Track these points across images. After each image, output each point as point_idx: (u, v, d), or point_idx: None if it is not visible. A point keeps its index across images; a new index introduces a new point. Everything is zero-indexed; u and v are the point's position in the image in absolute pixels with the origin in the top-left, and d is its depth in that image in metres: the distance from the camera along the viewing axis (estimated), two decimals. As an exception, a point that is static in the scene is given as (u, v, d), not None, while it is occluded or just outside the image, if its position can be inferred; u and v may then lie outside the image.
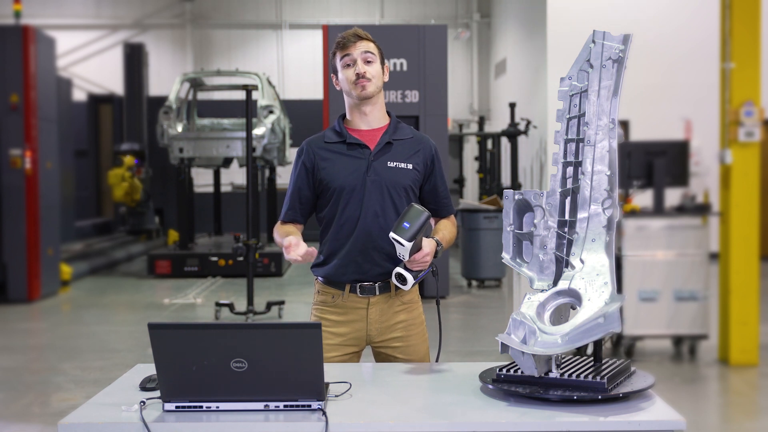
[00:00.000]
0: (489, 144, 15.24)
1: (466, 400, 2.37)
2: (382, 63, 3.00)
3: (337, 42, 2.97)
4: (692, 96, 13.19)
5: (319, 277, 3.06)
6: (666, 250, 6.70)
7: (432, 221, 3.12)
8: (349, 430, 2.18)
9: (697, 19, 13.23)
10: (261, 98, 12.13)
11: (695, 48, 13.25)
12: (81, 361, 6.96)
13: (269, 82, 12.79)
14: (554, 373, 2.37)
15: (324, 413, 2.19)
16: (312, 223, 3.09)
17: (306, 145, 3.05)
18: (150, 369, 2.65)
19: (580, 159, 2.56)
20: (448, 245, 3.02)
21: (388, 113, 3.07)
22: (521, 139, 13.69)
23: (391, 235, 2.71)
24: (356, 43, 2.94)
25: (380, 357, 3.05)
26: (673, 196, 7.19)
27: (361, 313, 2.99)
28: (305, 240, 2.90)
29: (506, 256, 2.63)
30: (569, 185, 2.58)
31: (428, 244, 2.80)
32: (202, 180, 16.09)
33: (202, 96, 14.51)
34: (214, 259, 11.82)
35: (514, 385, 2.37)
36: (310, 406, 2.24)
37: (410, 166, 2.99)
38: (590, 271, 2.46)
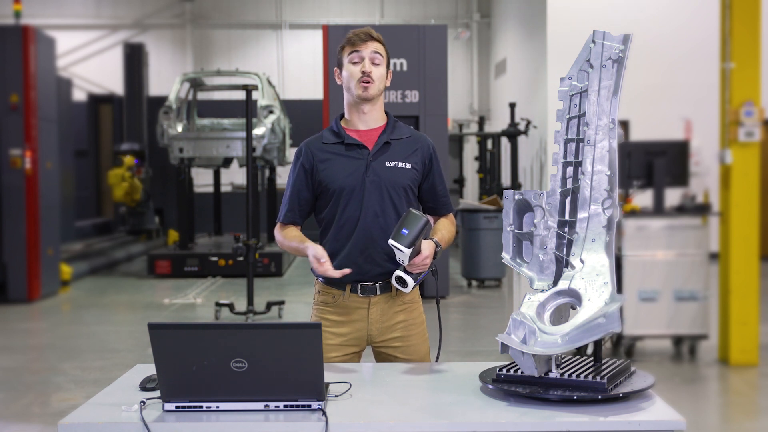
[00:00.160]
0: (489, 144, 15.24)
1: (466, 400, 2.37)
2: (387, 67, 3.01)
3: (349, 38, 2.97)
4: (692, 96, 13.19)
5: (320, 278, 3.06)
6: (666, 250, 6.70)
7: (431, 220, 3.12)
8: (349, 430, 2.18)
9: (697, 19, 13.23)
10: (261, 98, 12.13)
11: (695, 48, 13.25)
12: (81, 361, 6.96)
13: (269, 82, 12.79)
14: (554, 373, 2.37)
15: (324, 413, 2.19)
16: (311, 224, 3.09)
17: (304, 146, 3.05)
18: (150, 369, 2.65)
19: (580, 159, 2.56)
20: (447, 245, 3.02)
21: (386, 113, 3.07)
22: (521, 139, 13.69)
23: (390, 242, 2.72)
24: (367, 42, 2.95)
25: (380, 357, 3.05)
26: (673, 196, 7.19)
27: (362, 313, 2.99)
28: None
29: (506, 256, 2.63)
30: (569, 185, 2.58)
31: (427, 246, 2.80)
32: (202, 180, 16.09)
33: (202, 96, 14.51)
34: (214, 259, 11.82)
35: (514, 385, 2.37)
36: (310, 406, 2.24)
37: (409, 166, 2.99)
38: (590, 271, 2.46)
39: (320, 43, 10.06)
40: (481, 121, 17.14)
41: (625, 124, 13.05)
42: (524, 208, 2.63)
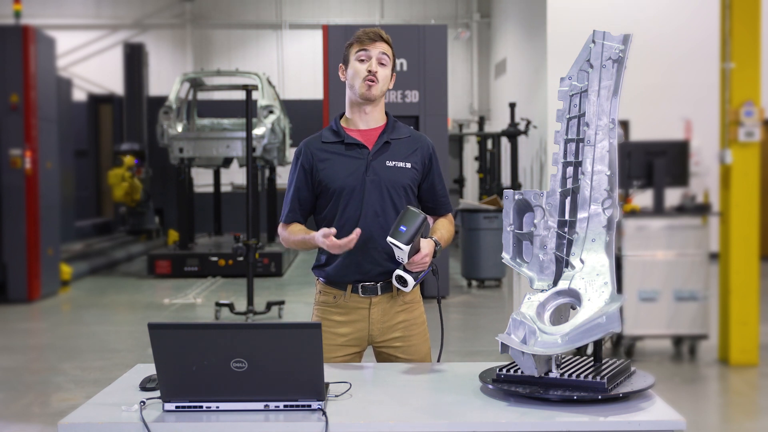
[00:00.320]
0: (489, 144, 15.24)
1: (466, 400, 2.37)
2: (393, 70, 3.02)
3: (358, 36, 2.97)
4: (692, 96, 13.20)
5: (321, 278, 3.06)
6: (666, 250, 6.70)
7: (430, 220, 3.12)
8: (349, 430, 2.18)
9: (697, 19, 13.23)
10: (261, 98, 12.13)
11: (695, 48, 13.25)
12: (81, 361, 6.96)
13: (269, 82, 12.79)
14: (554, 373, 2.37)
15: (324, 413, 2.19)
16: (311, 225, 3.09)
17: (304, 146, 3.05)
18: (150, 369, 2.65)
19: (580, 159, 2.56)
20: (446, 244, 3.02)
21: (386, 113, 3.08)
22: (521, 139, 13.70)
23: (389, 239, 2.72)
24: (376, 42, 2.96)
25: (381, 357, 3.05)
26: (673, 196, 7.19)
27: (363, 313, 2.99)
28: None
29: (506, 256, 2.63)
30: (569, 185, 2.58)
31: (427, 245, 2.80)
32: (202, 180, 16.09)
33: (202, 96, 14.51)
34: (214, 259, 11.81)
35: (514, 385, 2.37)
36: (310, 406, 2.24)
37: (408, 165, 2.99)
38: (590, 271, 2.46)
39: (320, 43, 10.06)
40: (481, 121, 17.14)
41: (625, 124, 13.05)
42: (524, 208, 2.63)
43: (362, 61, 2.95)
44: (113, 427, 2.18)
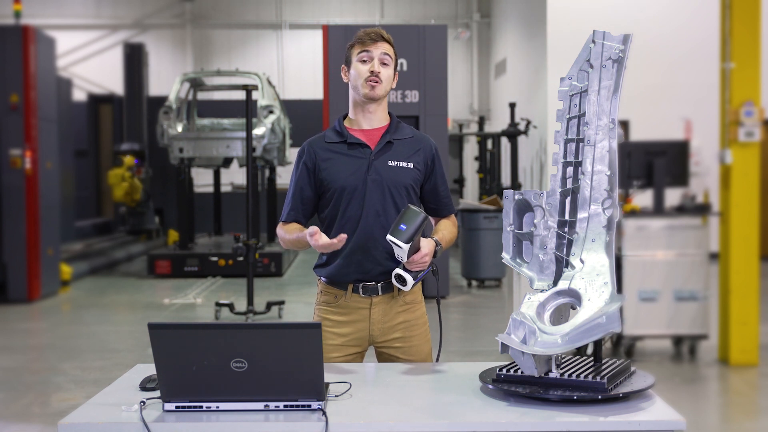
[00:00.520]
0: (489, 144, 15.24)
1: (466, 400, 2.37)
2: (395, 69, 3.02)
3: (359, 36, 2.97)
4: (692, 96, 13.20)
5: (322, 278, 3.06)
6: (666, 250, 6.70)
7: (432, 221, 3.12)
8: (349, 430, 2.18)
9: (697, 19, 13.23)
10: (261, 98, 12.13)
11: (695, 48, 13.25)
12: (81, 361, 6.96)
13: (269, 82, 12.79)
14: (554, 373, 2.37)
15: (324, 413, 2.19)
16: (313, 223, 3.08)
17: (307, 145, 3.06)
18: (150, 369, 2.65)
19: (580, 159, 2.56)
20: (448, 245, 3.02)
21: (389, 113, 3.08)
22: (521, 139, 13.69)
23: (389, 237, 2.72)
24: (378, 42, 2.95)
25: (382, 357, 3.05)
26: (673, 196, 7.19)
27: (364, 313, 2.99)
28: None
29: (506, 256, 2.63)
30: (569, 185, 2.58)
31: (427, 245, 2.80)
32: (202, 180, 16.09)
33: (202, 96, 14.51)
34: (214, 259, 11.82)
35: (514, 385, 2.37)
36: (310, 406, 2.24)
37: (411, 165, 2.99)
38: (590, 271, 2.46)
39: (320, 43, 10.06)
40: (481, 121, 17.14)
41: (625, 124, 13.05)
42: (524, 208, 2.63)
43: (364, 61, 2.95)
44: (113, 427, 2.18)
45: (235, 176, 17.46)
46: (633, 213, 6.76)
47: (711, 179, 9.37)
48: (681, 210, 6.86)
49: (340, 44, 9.33)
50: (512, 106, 13.14)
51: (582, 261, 2.49)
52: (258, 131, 11.69)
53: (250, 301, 8.29)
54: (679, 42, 13.55)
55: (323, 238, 2.76)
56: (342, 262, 2.97)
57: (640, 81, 12.42)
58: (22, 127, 9.81)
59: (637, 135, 12.90)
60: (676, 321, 6.68)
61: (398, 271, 2.80)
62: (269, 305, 8.51)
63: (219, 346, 2.21)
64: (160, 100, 13.57)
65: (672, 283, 6.66)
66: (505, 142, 15.01)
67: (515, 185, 12.54)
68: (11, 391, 6.07)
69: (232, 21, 20.44)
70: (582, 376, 2.34)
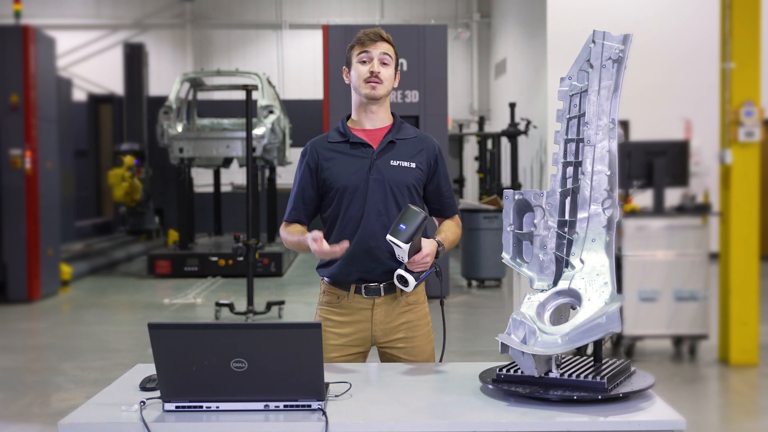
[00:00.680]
0: (489, 144, 15.24)
1: (466, 400, 2.37)
2: (396, 68, 3.02)
3: (358, 37, 2.98)
4: (692, 96, 13.20)
5: (325, 278, 3.06)
6: (666, 250, 6.70)
7: (435, 221, 3.12)
8: (349, 430, 2.18)
9: (697, 19, 13.23)
10: (261, 98, 12.13)
11: (695, 48, 13.25)
12: (81, 361, 6.96)
13: (269, 82, 12.79)
14: (554, 373, 2.37)
15: (324, 413, 2.19)
16: (317, 224, 3.08)
17: (310, 145, 3.06)
18: (150, 369, 2.65)
19: (580, 159, 2.56)
20: (450, 246, 3.01)
21: (393, 114, 3.08)
22: (521, 139, 13.69)
23: (388, 237, 2.72)
24: (376, 42, 2.96)
25: (385, 357, 3.05)
26: (673, 196, 7.19)
27: (366, 314, 2.99)
28: None
29: (506, 256, 2.63)
30: (569, 185, 2.58)
31: (428, 245, 2.80)
32: (202, 180, 16.09)
33: (202, 96, 14.51)
34: (214, 259, 11.81)
35: (514, 385, 2.37)
36: (310, 406, 2.24)
37: (413, 165, 2.99)
38: (590, 271, 2.46)
39: (320, 43, 10.06)
40: (481, 121, 17.14)
41: (625, 124, 13.05)
42: (524, 208, 2.63)
43: (364, 62, 2.96)
44: (113, 427, 2.18)
45: (235, 176, 17.46)
46: (633, 213, 6.76)
47: (711, 179, 9.36)
48: (681, 210, 6.86)
49: (340, 44, 9.33)
50: (512, 106, 13.14)
51: (582, 261, 2.49)
52: (258, 131, 11.69)
53: (250, 301, 8.29)
54: (679, 42, 13.55)
55: (325, 245, 2.77)
56: (344, 262, 2.96)
57: (640, 81, 12.42)
58: (22, 127, 9.81)
59: (637, 135, 12.90)
60: (676, 321, 6.68)
61: (400, 271, 2.80)
62: (269, 305, 8.51)
63: (219, 346, 2.21)
64: (160, 100, 13.57)
65: (672, 283, 6.66)
66: (505, 142, 15.01)
67: (515, 185, 12.54)
68: (11, 391, 6.07)
69: (232, 21, 20.44)
70: (582, 376, 2.34)
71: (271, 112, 12.14)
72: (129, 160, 15.55)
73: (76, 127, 15.95)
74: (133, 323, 8.83)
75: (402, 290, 2.93)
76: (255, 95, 11.70)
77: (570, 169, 2.59)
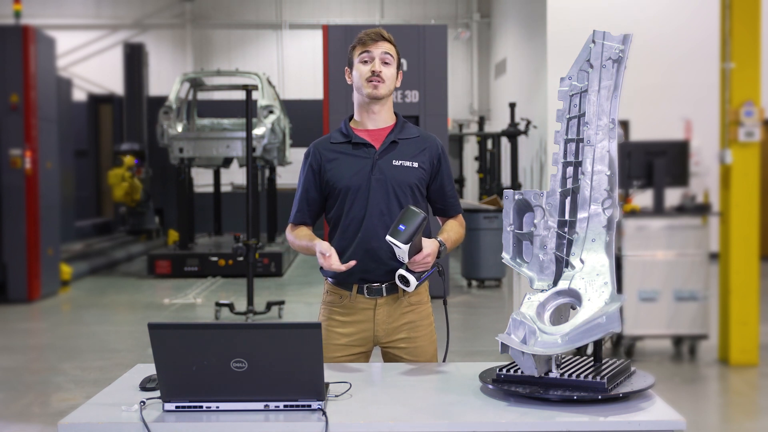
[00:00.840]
0: (489, 144, 15.24)
1: (466, 400, 2.37)
2: (398, 68, 3.02)
3: (359, 38, 2.98)
4: (692, 96, 13.20)
5: (329, 278, 3.06)
6: (666, 250, 6.70)
7: (439, 221, 3.12)
8: (349, 430, 2.18)
9: (697, 19, 13.23)
10: (261, 98, 12.12)
11: (695, 48, 13.26)
12: (81, 361, 6.96)
13: (269, 82, 12.79)
14: (554, 373, 2.37)
15: (324, 413, 2.19)
16: (319, 225, 3.09)
17: (313, 147, 3.07)
18: (150, 369, 2.65)
19: (580, 159, 2.56)
20: (454, 245, 3.01)
21: (396, 113, 3.08)
22: (521, 139, 13.69)
23: (388, 238, 2.72)
24: (377, 42, 2.96)
25: (387, 357, 3.05)
26: (673, 196, 7.19)
27: (368, 314, 2.99)
28: None
29: (506, 256, 2.63)
30: (569, 185, 2.58)
31: (429, 245, 2.80)
32: (202, 180, 16.09)
33: (202, 96, 14.51)
34: (214, 259, 11.81)
35: (514, 385, 2.37)
36: (310, 406, 2.24)
37: (416, 165, 2.99)
38: (590, 271, 2.46)
39: (320, 43, 10.06)
40: (481, 121, 17.14)
41: (625, 124, 13.05)
42: (524, 208, 2.63)
43: (365, 62, 2.96)
44: (113, 427, 2.18)
45: (235, 176, 17.46)
46: (633, 213, 6.76)
47: (711, 179, 9.36)
48: (681, 210, 6.86)
49: (340, 44, 9.33)
50: (512, 106, 13.13)
51: (582, 261, 2.49)
52: (258, 131, 11.69)
53: (250, 301, 8.29)
54: (679, 42, 13.55)
55: (334, 262, 2.81)
56: (346, 261, 2.96)
57: (640, 81, 12.42)
58: (22, 127, 9.81)
59: (637, 135, 12.90)
60: (676, 321, 6.68)
61: (401, 271, 2.80)
62: (269, 305, 8.51)
63: (219, 346, 2.21)
64: (160, 100, 13.57)
65: (672, 283, 6.66)
66: (505, 142, 15.01)
67: (515, 185, 12.54)
68: (11, 391, 6.07)
69: (232, 21, 20.44)
70: (582, 376, 2.34)
71: (271, 112, 12.14)
72: (129, 160, 15.55)
73: (76, 127, 15.95)
74: (133, 323, 8.83)
75: (404, 290, 2.93)
76: (255, 95, 11.70)
77: (570, 169, 2.59)
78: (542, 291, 2.52)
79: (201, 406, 2.24)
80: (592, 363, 2.49)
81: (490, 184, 14.65)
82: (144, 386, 2.49)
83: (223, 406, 2.25)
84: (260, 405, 2.24)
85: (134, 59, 16.45)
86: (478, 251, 10.57)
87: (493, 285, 10.89)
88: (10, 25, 10.23)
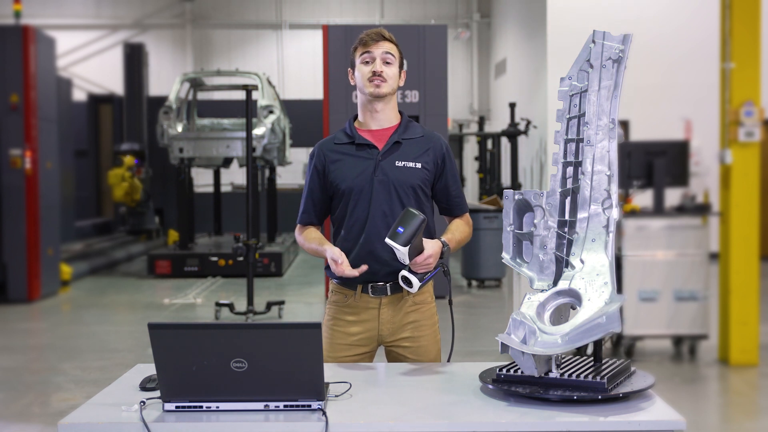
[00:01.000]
0: (489, 144, 15.24)
1: (466, 400, 2.37)
2: (401, 67, 3.02)
3: (360, 38, 2.99)
4: (692, 96, 13.20)
5: (333, 278, 3.06)
6: (666, 250, 6.70)
7: (446, 220, 3.12)
8: (349, 430, 2.18)
9: (697, 19, 13.23)
10: (261, 98, 12.12)
11: (695, 48, 13.26)
12: (81, 361, 6.96)
13: (269, 82, 12.79)
14: (554, 373, 2.37)
15: (324, 413, 2.19)
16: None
17: (317, 147, 3.07)
18: (150, 369, 2.65)
19: (580, 159, 2.56)
20: (459, 245, 3.01)
21: (400, 113, 3.08)
22: (521, 139, 13.69)
23: (387, 240, 2.72)
24: (378, 42, 2.96)
25: (391, 356, 3.06)
26: (673, 196, 7.19)
27: (373, 313, 3.00)
28: None
29: (506, 256, 2.63)
30: (569, 185, 2.58)
31: (431, 246, 2.80)
32: (202, 180, 16.09)
33: (202, 96, 14.51)
34: (214, 259, 11.81)
35: (514, 385, 2.37)
36: (310, 406, 2.24)
37: (419, 165, 2.99)
38: (590, 271, 2.46)
39: (320, 43, 10.06)
40: (481, 121, 17.14)
41: (625, 124, 13.05)
42: (524, 208, 2.63)
43: (367, 62, 2.97)
44: (113, 427, 2.18)
45: (235, 176, 17.46)
46: (633, 213, 6.76)
47: (711, 179, 9.37)
48: (681, 210, 6.86)
49: (340, 44, 9.32)
50: (512, 106, 13.13)
51: (582, 261, 2.49)
52: (258, 131, 11.69)
53: (250, 301, 8.29)
54: (679, 42, 13.55)
55: (346, 268, 2.83)
56: (350, 263, 2.96)
57: (640, 81, 12.42)
58: (22, 127, 9.81)
59: (637, 135, 12.90)
60: (676, 321, 6.68)
61: (404, 273, 2.80)
62: (269, 305, 8.51)
63: (219, 346, 2.21)
64: (160, 100, 13.57)
65: (672, 283, 6.66)
66: (505, 142, 15.01)
67: (515, 185, 12.54)
68: (11, 391, 6.07)
69: (232, 21, 20.44)
70: (582, 376, 2.34)
71: (271, 112, 12.14)
72: (129, 160, 15.54)
73: (76, 127, 15.94)
74: (133, 323, 8.83)
75: (407, 291, 2.93)
76: (255, 95, 11.70)
77: (570, 169, 2.59)
78: (542, 291, 2.52)
79: (201, 406, 2.24)
80: (592, 363, 2.49)
81: (490, 184, 14.65)
82: (144, 386, 2.49)
83: (223, 406, 2.25)
84: (260, 405, 2.24)
85: (134, 59, 16.44)
86: (478, 251, 10.57)
87: (493, 285, 10.89)
88: (10, 25, 10.23)
